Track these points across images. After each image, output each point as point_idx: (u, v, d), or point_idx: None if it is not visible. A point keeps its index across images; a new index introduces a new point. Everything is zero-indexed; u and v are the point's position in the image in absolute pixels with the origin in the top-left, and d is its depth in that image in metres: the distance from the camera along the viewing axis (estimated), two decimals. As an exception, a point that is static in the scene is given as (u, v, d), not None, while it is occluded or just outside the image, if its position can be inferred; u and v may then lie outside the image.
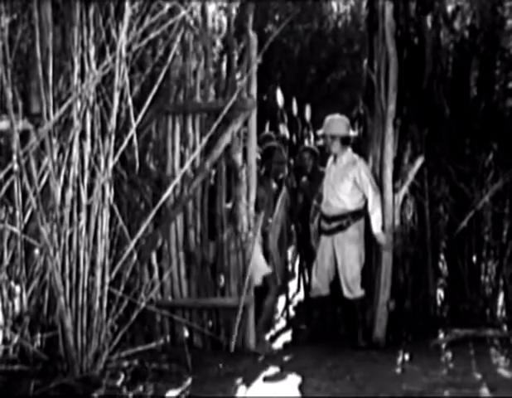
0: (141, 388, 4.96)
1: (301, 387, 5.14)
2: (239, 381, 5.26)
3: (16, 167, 4.73)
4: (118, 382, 4.92)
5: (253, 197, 5.95)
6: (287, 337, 6.79)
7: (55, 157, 4.81)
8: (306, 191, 7.12)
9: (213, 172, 6.13)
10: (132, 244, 5.08)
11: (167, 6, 5.43)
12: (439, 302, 6.78)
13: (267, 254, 6.66)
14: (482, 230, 6.63)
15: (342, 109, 9.44)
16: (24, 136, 4.95)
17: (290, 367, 5.65)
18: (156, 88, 5.16)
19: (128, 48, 5.04)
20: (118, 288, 5.08)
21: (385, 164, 6.19)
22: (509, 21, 6.63)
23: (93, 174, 4.96)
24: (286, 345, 6.51)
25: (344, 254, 6.25)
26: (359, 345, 6.18)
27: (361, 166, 6.23)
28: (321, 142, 6.96)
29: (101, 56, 4.99)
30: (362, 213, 6.25)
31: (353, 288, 6.23)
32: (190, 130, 6.00)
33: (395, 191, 6.21)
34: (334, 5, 24.25)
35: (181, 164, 5.96)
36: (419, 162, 6.30)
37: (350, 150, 6.39)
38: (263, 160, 6.77)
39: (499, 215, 6.62)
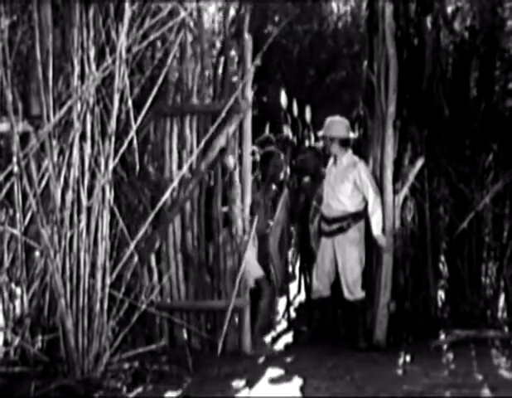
0: (141, 390, 4.97)
1: (301, 387, 5.14)
2: (239, 381, 5.26)
3: (16, 169, 4.73)
4: (119, 384, 4.93)
5: (248, 200, 5.92)
6: (288, 338, 6.79)
7: (55, 158, 4.81)
8: (307, 191, 7.10)
9: (212, 174, 6.12)
10: (132, 246, 5.08)
11: (167, 7, 5.41)
12: (440, 303, 6.77)
13: (267, 256, 6.66)
14: (482, 231, 6.62)
15: (342, 110, 9.45)
16: (24, 138, 4.95)
17: (290, 368, 5.65)
18: (155, 90, 5.17)
19: (128, 50, 5.04)
20: (118, 290, 5.08)
21: (385, 165, 6.19)
22: (509, 22, 6.63)
23: (93, 176, 4.96)
24: (287, 346, 6.51)
25: (344, 256, 6.24)
26: (360, 346, 6.18)
27: (361, 167, 6.23)
28: (321, 143, 6.97)
29: (101, 58, 5.00)
30: (362, 215, 6.25)
31: (353, 290, 6.22)
32: (187, 132, 5.99)
33: (395, 192, 6.21)
34: (334, 6, 24.25)
35: (179, 166, 5.94)
36: (419, 163, 6.30)
37: (350, 152, 6.38)
38: (262, 164, 6.76)
39: (500, 216, 6.62)
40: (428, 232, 6.59)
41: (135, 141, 5.10)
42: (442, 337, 6.32)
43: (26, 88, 5.25)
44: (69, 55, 4.96)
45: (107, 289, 4.95)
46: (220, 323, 5.91)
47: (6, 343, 5.08)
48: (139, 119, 5.09)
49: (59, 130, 4.94)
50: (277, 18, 23.49)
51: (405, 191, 6.30)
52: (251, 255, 6.13)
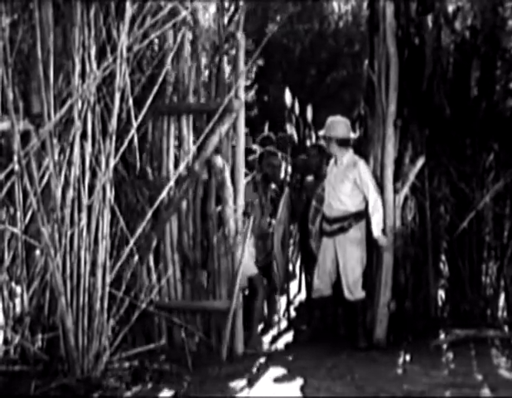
0: (141, 389, 4.97)
1: (301, 387, 5.14)
2: (239, 381, 5.26)
3: (17, 167, 4.73)
4: (119, 383, 4.93)
5: (240, 201, 5.87)
6: (288, 337, 6.79)
7: (55, 157, 4.81)
8: (308, 190, 7.07)
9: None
10: (130, 244, 5.07)
11: (168, 6, 5.41)
12: (440, 302, 6.78)
13: (269, 255, 6.65)
14: (483, 231, 6.62)
15: (343, 109, 9.46)
16: (25, 136, 4.95)
17: (291, 367, 5.65)
18: (155, 89, 5.17)
19: (129, 49, 5.04)
20: (118, 289, 5.08)
21: (386, 165, 6.19)
22: (510, 22, 6.62)
23: (94, 174, 4.97)
24: (287, 345, 6.51)
25: (345, 256, 6.24)
26: (360, 345, 6.18)
27: (362, 167, 6.21)
28: (322, 142, 6.96)
29: (102, 57, 5.00)
30: (363, 215, 6.24)
31: (354, 290, 6.22)
32: (184, 131, 5.98)
33: (396, 191, 6.21)
34: (335, 5, 24.27)
35: (176, 165, 5.93)
36: (420, 162, 6.30)
37: (351, 151, 6.36)
38: (261, 163, 6.75)
39: (500, 215, 6.62)
40: (429, 231, 6.59)
41: (136, 140, 5.11)
42: (442, 336, 6.32)
43: (27, 86, 5.25)
44: (70, 54, 4.96)
45: (107, 288, 4.95)
46: (216, 324, 5.89)
47: (6, 342, 5.09)
48: (140, 118, 5.09)
49: (60, 129, 4.95)
50: (278, 18, 23.51)
51: (406, 190, 6.30)
52: (246, 255, 6.11)
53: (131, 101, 5.01)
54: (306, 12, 23.53)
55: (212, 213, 5.93)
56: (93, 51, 4.94)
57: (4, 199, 4.97)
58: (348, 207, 6.25)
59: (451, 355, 5.95)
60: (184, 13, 5.53)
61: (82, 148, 4.93)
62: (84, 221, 4.87)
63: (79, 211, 4.88)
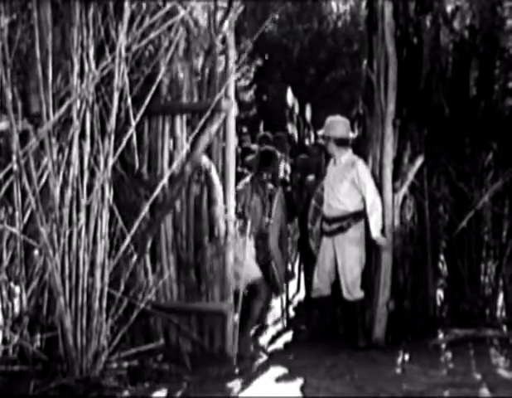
0: (140, 388, 4.97)
1: (300, 387, 5.14)
2: (239, 381, 5.26)
3: (15, 167, 4.72)
4: (118, 383, 4.92)
5: (231, 201, 5.80)
6: (287, 337, 6.78)
7: (54, 157, 4.80)
8: (309, 190, 7.05)
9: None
10: (126, 244, 5.05)
11: (167, 6, 5.40)
12: (439, 302, 6.78)
13: (267, 255, 6.64)
14: (482, 230, 6.63)
15: (341, 108, 9.46)
16: (23, 136, 4.94)
17: (290, 367, 5.65)
18: (153, 89, 5.16)
19: (128, 48, 5.04)
20: (117, 289, 5.07)
21: (385, 164, 6.19)
22: (509, 22, 6.63)
23: (92, 174, 4.96)
24: (286, 345, 6.51)
25: (344, 256, 6.24)
26: (359, 345, 6.18)
27: (360, 167, 6.20)
28: (321, 141, 6.95)
29: (100, 56, 4.99)
30: (363, 215, 6.22)
31: (352, 290, 6.21)
32: (178, 131, 5.95)
33: (395, 191, 6.21)
34: (333, 5, 24.29)
35: (170, 164, 5.91)
36: (419, 161, 6.31)
37: (350, 151, 6.36)
38: (259, 162, 6.72)
39: (499, 215, 6.63)
40: (428, 231, 6.59)
41: (134, 139, 5.10)
42: (441, 335, 6.33)
43: (26, 86, 5.24)
44: (68, 54, 4.96)
45: (106, 288, 4.95)
46: (208, 326, 5.86)
47: (5, 341, 5.08)
48: (138, 118, 5.08)
49: (58, 128, 4.94)
50: (277, 17, 23.53)
51: (404, 189, 6.30)
52: (249, 257, 6.09)
53: (129, 101, 5.01)
54: (305, 12, 23.56)
55: (203, 213, 5.90)
56: (91, 51, 4.93)
57: (3, 199, 4.97)
58: (347, 207, 6.25)
59: (449, 354, 5.96)
60: (182, 13, 5.52)
61: (81, 147, 4.93)
62: (82, 221, 4.87)
63: (78, 210, 4.88)
